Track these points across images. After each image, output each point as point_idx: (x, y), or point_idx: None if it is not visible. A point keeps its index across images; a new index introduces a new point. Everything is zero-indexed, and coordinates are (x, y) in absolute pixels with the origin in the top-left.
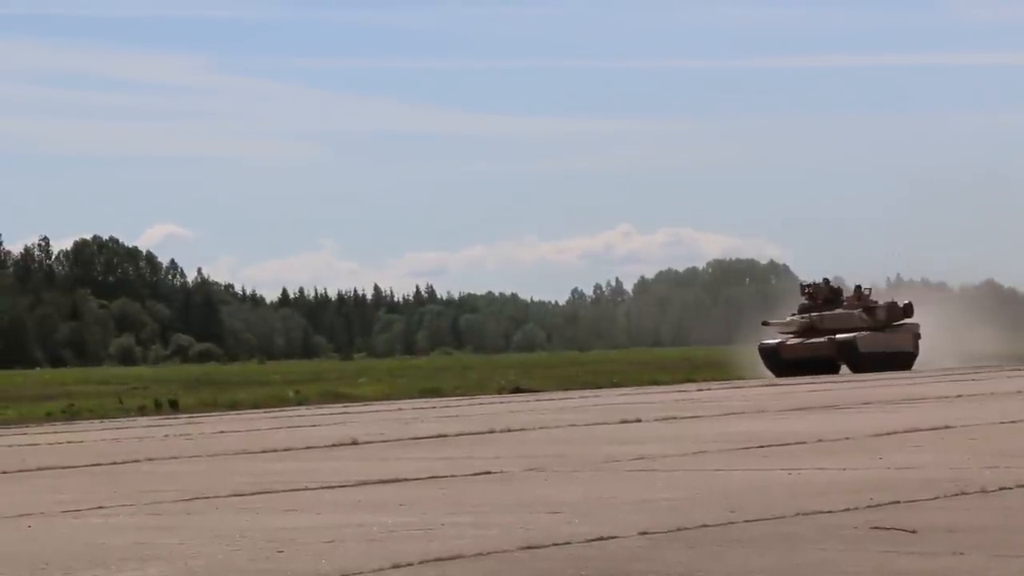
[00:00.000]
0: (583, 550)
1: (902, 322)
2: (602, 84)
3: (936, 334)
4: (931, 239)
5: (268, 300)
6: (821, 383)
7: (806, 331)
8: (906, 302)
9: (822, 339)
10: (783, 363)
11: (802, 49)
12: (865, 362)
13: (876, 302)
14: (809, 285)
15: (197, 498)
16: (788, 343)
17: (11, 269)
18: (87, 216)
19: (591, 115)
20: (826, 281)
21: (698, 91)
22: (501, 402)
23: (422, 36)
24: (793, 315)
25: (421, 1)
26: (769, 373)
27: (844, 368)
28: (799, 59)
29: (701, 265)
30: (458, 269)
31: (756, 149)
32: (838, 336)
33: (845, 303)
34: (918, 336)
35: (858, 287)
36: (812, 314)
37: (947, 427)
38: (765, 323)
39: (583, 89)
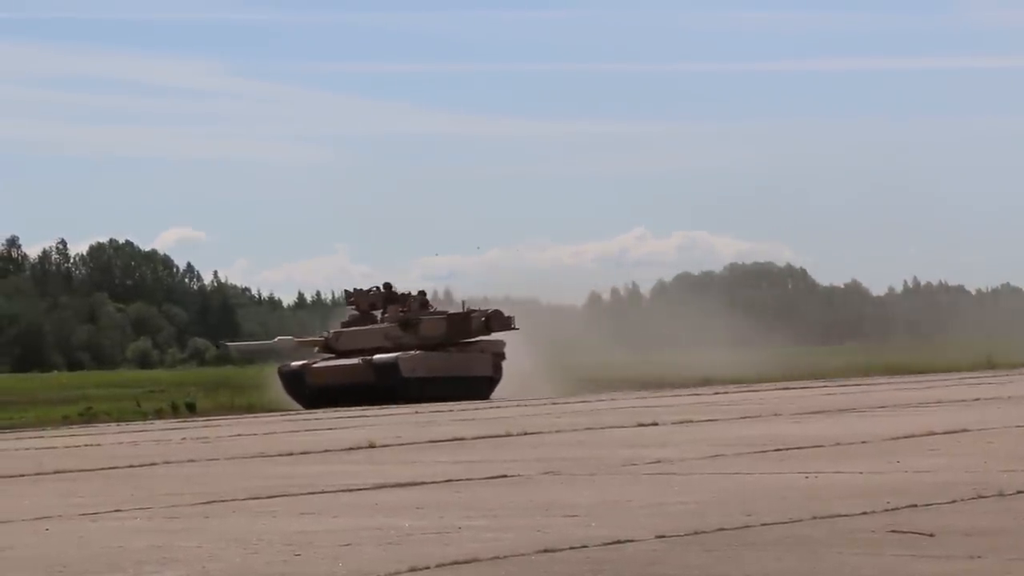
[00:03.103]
0: (600, 553)
1: (478, 339)
2: (615, 87)
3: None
4: (949, 242)
5: (284, 303)
6: (835, 386)
7: (330, 351)
8: (490, 312)
9: (356, 361)
10: (310, 390)
11: (816, 52)
12: (413, 389)
13: (444, 313)
14: (355, 292)
15: (214, 501)
16: (315, 366)
17: (28, 273)
18: (102, 219)
19: (604, 118)
20: (387, 286)
21: (712, 94)
22: (517, 405)
23: (436, 40)
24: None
25: (435, 5)
26: (295, 403)
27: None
28: (813, 62)
29: (717, 269)
30: (473, 272)
31: (771, 152)
32: (376, 358)
33: (387, 315)
34: (501, 356)
35: (420, 293)
36: (330, 331)
37: (964, 430)
38: (221, 344)
39: (597, 93)
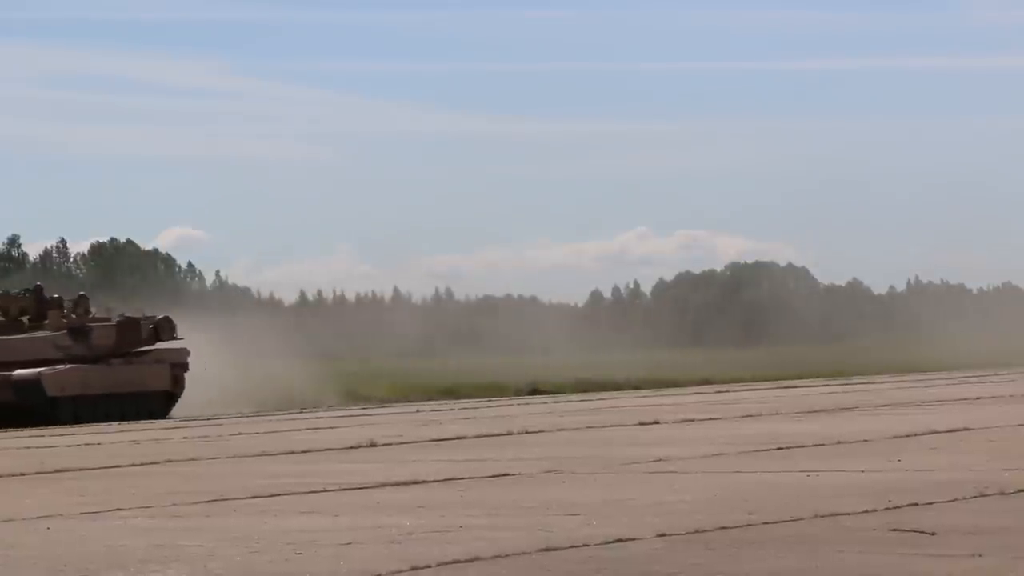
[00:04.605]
0: (601, 552)
1: (153, 348)
2: (618, 87)
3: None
4: (951, 242)
5: (286, 303)
6: (836, 385)
7: None
8: (159, 319)
9: None
10: None
11: (817, 51)
12: (63, 410)
13: (109, 320)
14: (1, 295)
15: (216, 500)
16: None
17: (29, 271)
18: (103, 218)
19: (606, 118)
20: (38, 288)
21: (714, 93)
22: (519, 404)
23: (436, 40)
24: None
25: (438, 3)
26: None
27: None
28: (814, 61)
29: (719, 268)
30: (475, 271)
31: (772, 152)
32: (16, 374)
33: (48, 322)
34: (183, 367)
35: (82, 297)
36: None
37: (966, 429)
38: None
39: (599, 92)
